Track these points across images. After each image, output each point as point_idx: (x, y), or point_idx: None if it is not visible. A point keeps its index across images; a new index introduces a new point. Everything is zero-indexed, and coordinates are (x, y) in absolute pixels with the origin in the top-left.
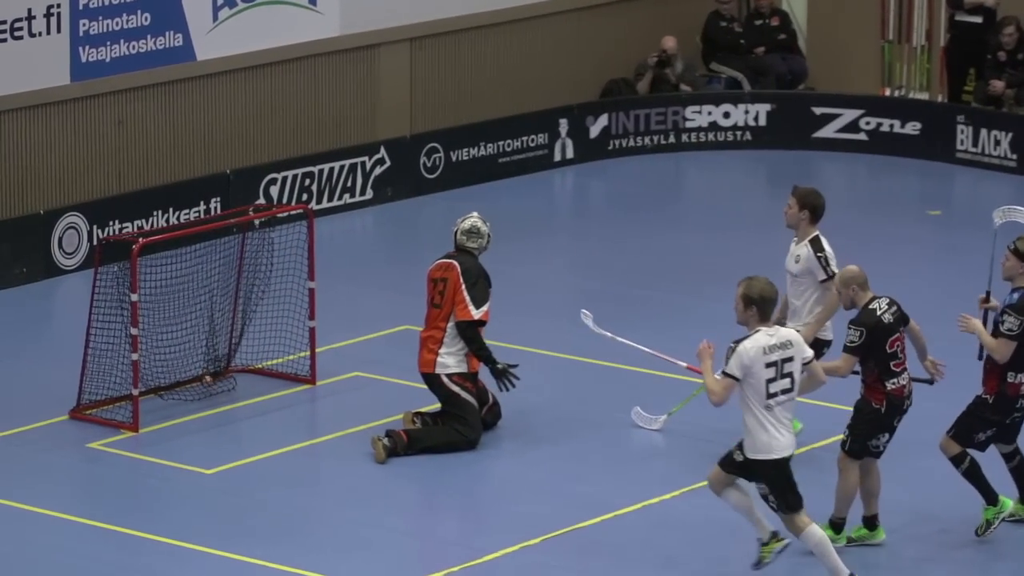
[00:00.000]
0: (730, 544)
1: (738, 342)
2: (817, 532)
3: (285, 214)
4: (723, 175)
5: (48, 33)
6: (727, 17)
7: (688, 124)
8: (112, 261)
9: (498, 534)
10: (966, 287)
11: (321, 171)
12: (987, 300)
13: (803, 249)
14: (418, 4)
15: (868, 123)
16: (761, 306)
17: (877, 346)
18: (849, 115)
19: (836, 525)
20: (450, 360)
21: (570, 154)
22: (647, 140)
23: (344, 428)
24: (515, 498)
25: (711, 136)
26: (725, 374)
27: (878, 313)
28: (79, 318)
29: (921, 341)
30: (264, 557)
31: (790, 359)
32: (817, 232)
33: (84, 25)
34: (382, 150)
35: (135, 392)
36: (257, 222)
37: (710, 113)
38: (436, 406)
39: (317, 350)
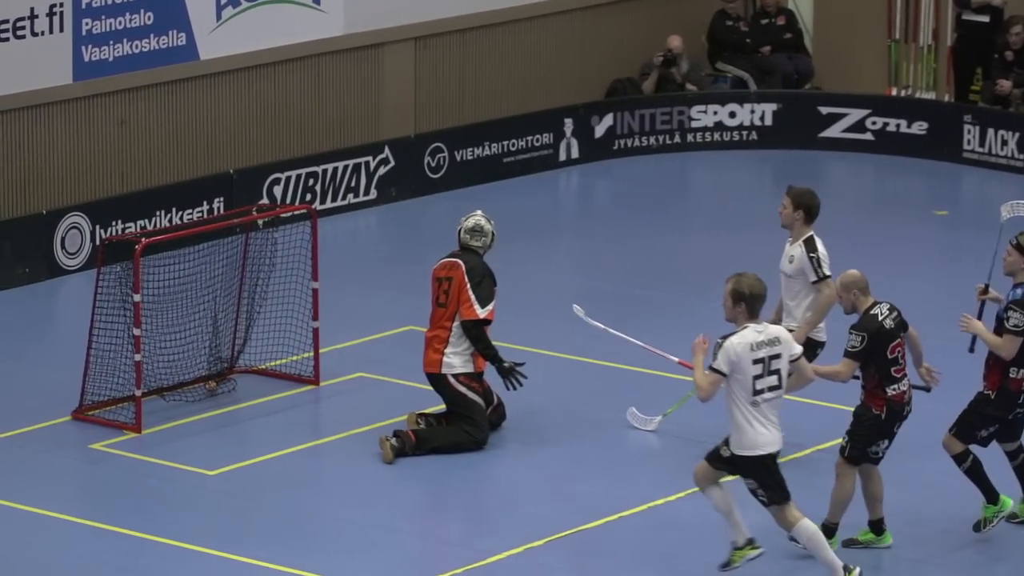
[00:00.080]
0: None
1: (725, 338)
2: (810, 526)
3: (289, 214)
4: (729, 175)
5: (51, 32)
6: (733, 16)
7: (694, 124)
8: (115, 261)
9: (502, 536)
10: (972, 288)
11: (325, 171)
12: (986, 291)
13: (797, 249)
14: (422, 3)
15: (874, 123)
16: (750, 302)
17: (878, 351)
18: (855, 115)
19: (828, 530)
20: (456, 360)
21: (575, 154)
22: (652, 140)
23: (348, 429)
24: (519, 499)
25: (717, 136)
26: (712, 369)
27: (880, 318)
28: (82, 318)
29: (918, 348)
30: (267, 558)
31: (777, 356)
32: (811, 232)
33: (87, 24)
34: (386, 150)
35: (138, 393)
36: (260, 222)
37: (716, 113)
38: (440, 407)
39: (321, 351)
